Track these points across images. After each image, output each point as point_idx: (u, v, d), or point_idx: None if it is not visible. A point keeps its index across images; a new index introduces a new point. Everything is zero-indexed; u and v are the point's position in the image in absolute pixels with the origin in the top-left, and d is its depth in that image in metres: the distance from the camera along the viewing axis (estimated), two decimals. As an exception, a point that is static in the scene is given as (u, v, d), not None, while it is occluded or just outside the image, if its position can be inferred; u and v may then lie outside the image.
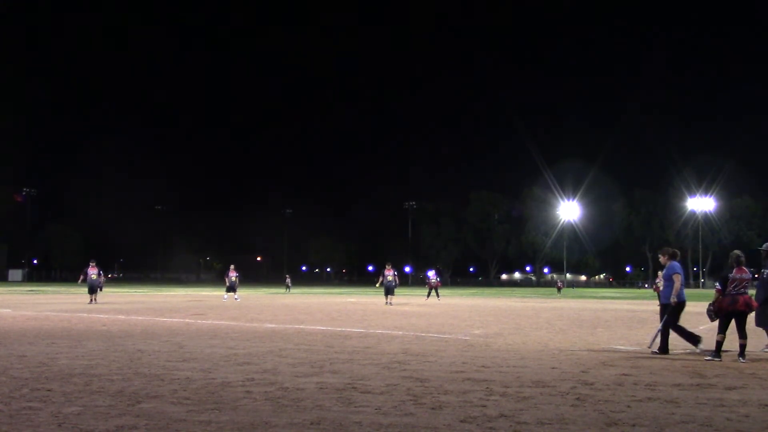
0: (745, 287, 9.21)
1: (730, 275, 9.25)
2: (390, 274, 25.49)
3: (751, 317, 9.60)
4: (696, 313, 19.76)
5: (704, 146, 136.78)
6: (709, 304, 9.61)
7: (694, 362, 8.90)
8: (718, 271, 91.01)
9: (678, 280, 9.76)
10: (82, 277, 24.03)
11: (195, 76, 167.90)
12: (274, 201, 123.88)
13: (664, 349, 9.76)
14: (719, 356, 9.06)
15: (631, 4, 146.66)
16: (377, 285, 26.10)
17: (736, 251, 9.59)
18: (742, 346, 9.13)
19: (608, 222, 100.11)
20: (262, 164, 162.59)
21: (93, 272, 23.68)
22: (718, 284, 9.45)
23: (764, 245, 10.00)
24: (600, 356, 9.47)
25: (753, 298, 9.50)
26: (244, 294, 37.12)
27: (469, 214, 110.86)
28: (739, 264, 9.29)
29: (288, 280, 50.03)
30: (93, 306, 22.20)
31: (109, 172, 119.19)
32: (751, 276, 9.36)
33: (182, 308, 22.02)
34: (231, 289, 28.48)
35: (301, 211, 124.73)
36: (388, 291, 25.24)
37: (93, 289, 23.66)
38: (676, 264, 9.99)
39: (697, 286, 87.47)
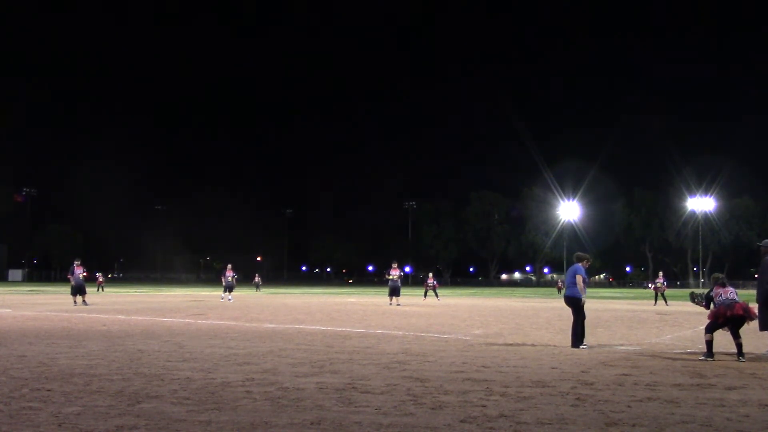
0: (732, 299, 9.42)
1: (712, 293, 9.63)
2: (396, 273, 25.12)
3: (755, 323, 9.64)
4: (696, 313, 19.76)
5: (704, 146, 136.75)
6: (691, 292, 10.21)
7: (694, 362, 8.90)
8: (718, 271, 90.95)
9: None
10: (70, 278, 22.90)
11: (195, 76, 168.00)
12: (275, 201, 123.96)
13: None
14: (712, 355, 9.16)
15: (631, 4, 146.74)
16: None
17: (717, 274, 10.16)
18: (739, 346, 9.17)
19: (608, 222, 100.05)
20: (262, 164, 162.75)
21: (79, 272, 22.62)
22: (704, 302, 9.90)
23: (763, 241, 10.05)
24: (600, 356, 9.47)
25: (755, 299, 9.60)
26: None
27: (469, 214, 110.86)
28: (720, 285, 9.64)
29: (258, 280, 49.53)
30: (92, 306, 22.11)
31: (109, 172, 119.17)
32: (735, 292, 9.56)
33: (182, 308, 22.01)
34: (228, 289, 28.29)
35: (301, 211, 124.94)
36: (393, 291, 24.98)
37: (81, 290, 22.47)
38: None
39: (697, 286, 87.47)
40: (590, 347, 10.49)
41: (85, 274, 23.11)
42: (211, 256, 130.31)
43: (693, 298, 10.42)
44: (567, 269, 10.95)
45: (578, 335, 10.56)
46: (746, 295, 11.04)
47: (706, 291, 10.14)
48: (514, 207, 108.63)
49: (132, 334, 12.25)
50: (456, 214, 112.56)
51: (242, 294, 37.58)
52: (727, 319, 9.23)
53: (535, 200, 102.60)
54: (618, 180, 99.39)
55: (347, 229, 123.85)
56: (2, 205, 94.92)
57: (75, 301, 22.54)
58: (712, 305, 9.67)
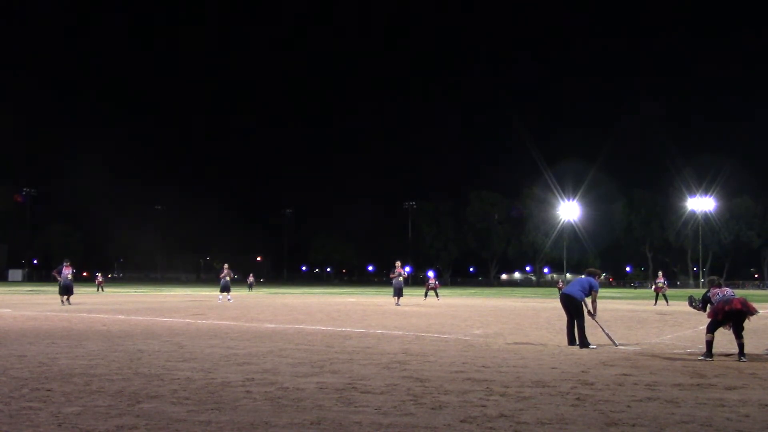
0: (730, 295, 9.48)
1: (709, 294, 9.68)
2: (400, 273, 24.97)
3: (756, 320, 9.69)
4: (696, 313, 19.75)
5: (704, 146, 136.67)
6: (690, 296, 10.42)
7: (694, 362, 8.90)
8: (718, 271, 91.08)
9: None
10: (56, 275, 23.09)
11: (195, 76, 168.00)
12: (275, 201, 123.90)
13: None
14: (711, 356, 9.15)
15: (631, 4, 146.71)
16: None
17: (713, 276, 10.31)
18: (741, 346, 9.16)
19: (608, 222, 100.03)
20: (262, 164, 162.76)
21: (67, 272, 22.89)
22: (700, 305, 9.94)
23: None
24: (600, 356, 9.47)
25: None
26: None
27: (469, 214, 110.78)
28: (716, 286, 9.74)
29: (251, 280, 49.38)
30: (90, 306, 22.14)
31: (109, 172, 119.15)
32: (732, 291, 9.64)
33: (182, 308, 22.01)
34: (225, 288, 28.14)
35: (301, 211, 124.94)
36: (397, 291, 24.98)
37: (68, 290, 22.76)
38: None
39: (697, 286, 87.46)
40: (595, 347, 10.51)
41: (72, 274, 23.22)
42: (211, 256, 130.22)
43: (691, 302, 10.38)
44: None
45: (583, 336, 10.56)
46: (745, 295, 11.05)
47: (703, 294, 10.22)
48: (514, 207, 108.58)
49: (132, 334, 12.25)
50: (456, 214, 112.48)
51: (238, 294, 37.56)
52: (726, 314, 9.20)
53: (535, 200, 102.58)
54: (618, 180, 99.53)
55: (347, 230, 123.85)
56: (2, 205, 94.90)
57: (62, 301, 22.74)
58: (708, 306, 9.67)
